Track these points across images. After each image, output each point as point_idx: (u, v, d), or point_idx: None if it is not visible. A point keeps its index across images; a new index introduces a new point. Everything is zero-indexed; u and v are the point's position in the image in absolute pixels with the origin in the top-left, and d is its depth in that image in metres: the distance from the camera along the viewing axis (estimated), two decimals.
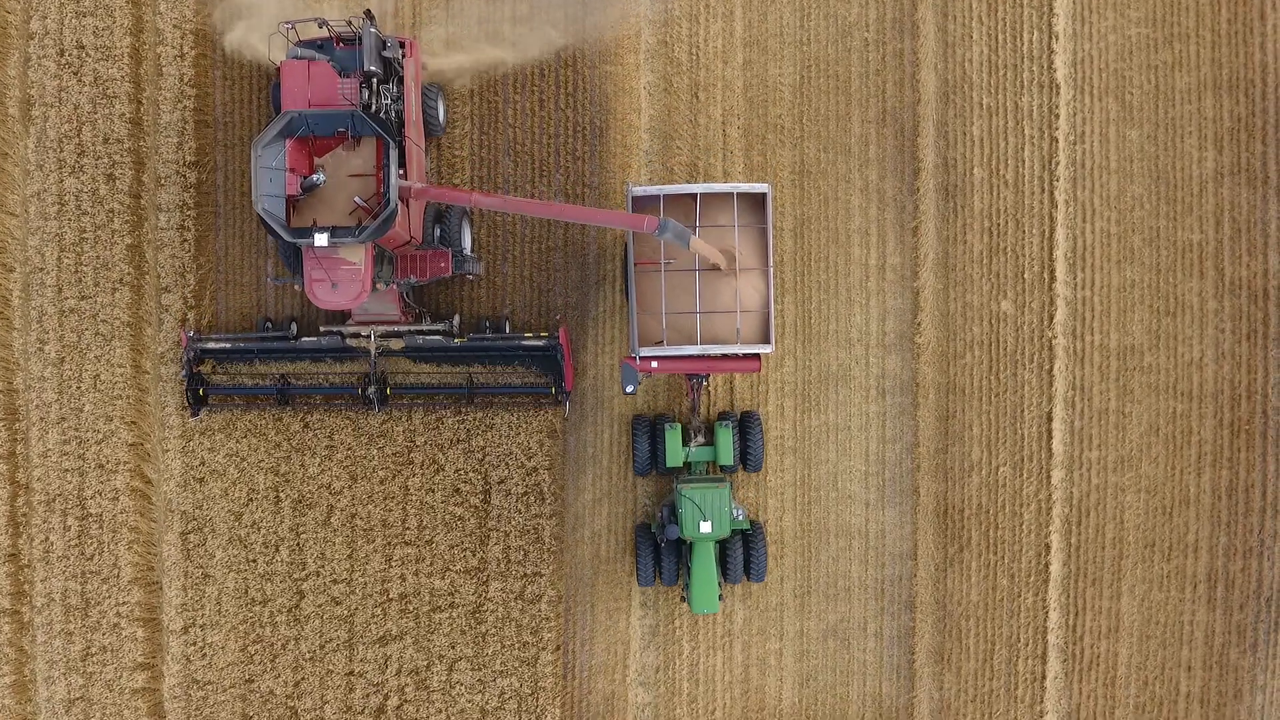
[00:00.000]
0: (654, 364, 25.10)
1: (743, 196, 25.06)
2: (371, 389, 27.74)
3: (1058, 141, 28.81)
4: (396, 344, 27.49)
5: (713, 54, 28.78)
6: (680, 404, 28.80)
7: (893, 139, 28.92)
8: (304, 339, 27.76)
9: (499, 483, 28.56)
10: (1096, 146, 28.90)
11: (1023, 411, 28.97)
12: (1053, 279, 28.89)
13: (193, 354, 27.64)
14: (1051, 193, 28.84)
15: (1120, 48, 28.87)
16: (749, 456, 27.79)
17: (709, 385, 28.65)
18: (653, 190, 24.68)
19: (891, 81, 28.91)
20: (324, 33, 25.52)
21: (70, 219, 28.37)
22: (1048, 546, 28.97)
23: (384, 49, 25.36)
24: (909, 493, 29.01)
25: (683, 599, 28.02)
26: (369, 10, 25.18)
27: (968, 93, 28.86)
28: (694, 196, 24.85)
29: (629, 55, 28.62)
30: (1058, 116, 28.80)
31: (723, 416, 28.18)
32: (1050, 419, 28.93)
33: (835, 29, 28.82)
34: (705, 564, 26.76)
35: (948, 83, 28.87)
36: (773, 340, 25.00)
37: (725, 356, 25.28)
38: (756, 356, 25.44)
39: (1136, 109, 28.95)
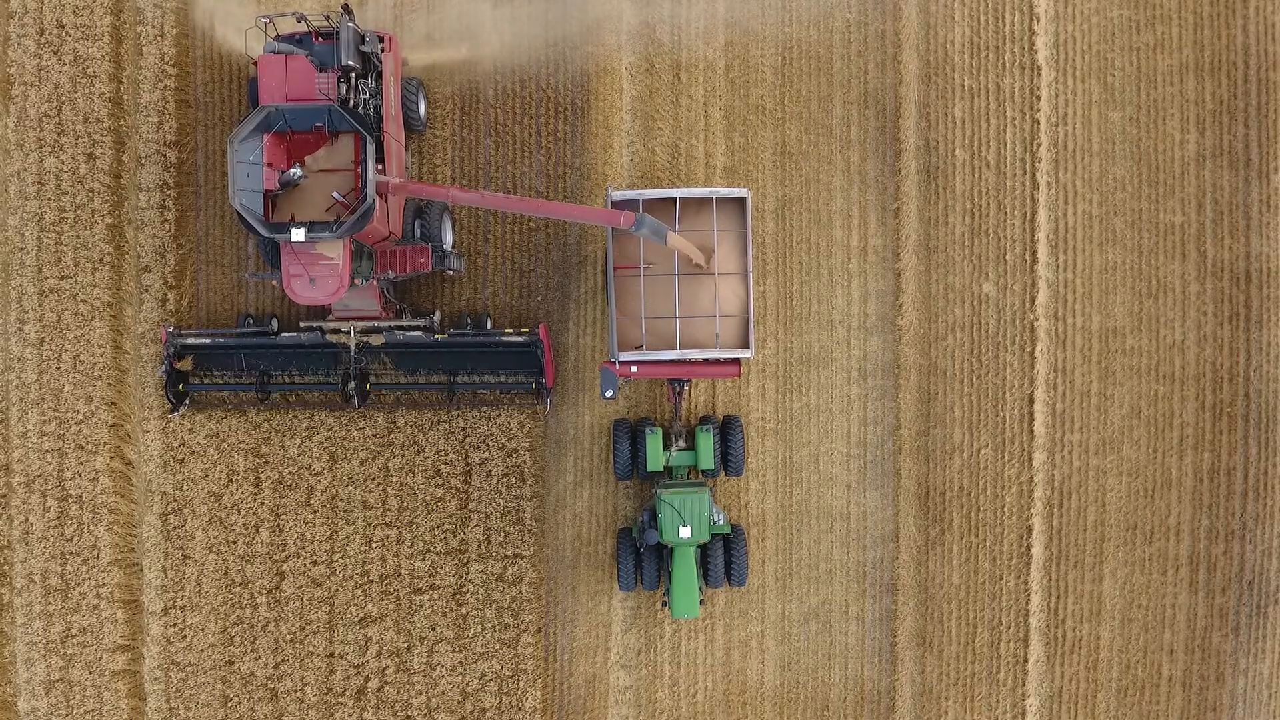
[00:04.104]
0: (633, 369, 25.05)
1: (722, 200, 25.07)
2: (352, 385, 27.66)
3: (1039, 123, 28.79)
4: (376, 339, 27.39)
5: (694, 34, 28.74)
6: (662, 408, 28.74)
7: (874, 120, 28.90)
8: (284, 334, 27.64)
9: (480, 464, 28.51)
10: (1078, 128, 28.88)
11: (1004, 394, 28.94)
12: (1034, 261, 28.87)
13: (172, 349, 27.54)
14: (1033, 174, 28.83)
15: (1102, 29, 28.85)
16: (730, 461, 27.71)
17: (690, 389, 28.54)
18: (632, 194, 24.71)
19: (873, 63, 28.88)
20: (302, 27, 25.48)
21: (50, 198, 28.31)
22: (1029, 529, 28.95)
23: (362, 43, 25.36)
24: (890, 475, 28.98)
25: (664, 603, 27.94)
26: (347, 4, 25.15)
27: (949, 74, 28.84)
28: (674, 201, 24.88)
29: (610, 35, 28.57)
30: (1039, 98, 28.78)
31: (704, 420, 28.09)
32: (1032, 401, 28.91)
33: (817, 9, 28.78)
34: (685, 569, 26.65)
35: (929, 64, 28.85)
36: (752, 345, 25.03)
37: (705, 361, 25.27)
38: (736, 361, 25.43)
39: (1118, 91, 28.93)
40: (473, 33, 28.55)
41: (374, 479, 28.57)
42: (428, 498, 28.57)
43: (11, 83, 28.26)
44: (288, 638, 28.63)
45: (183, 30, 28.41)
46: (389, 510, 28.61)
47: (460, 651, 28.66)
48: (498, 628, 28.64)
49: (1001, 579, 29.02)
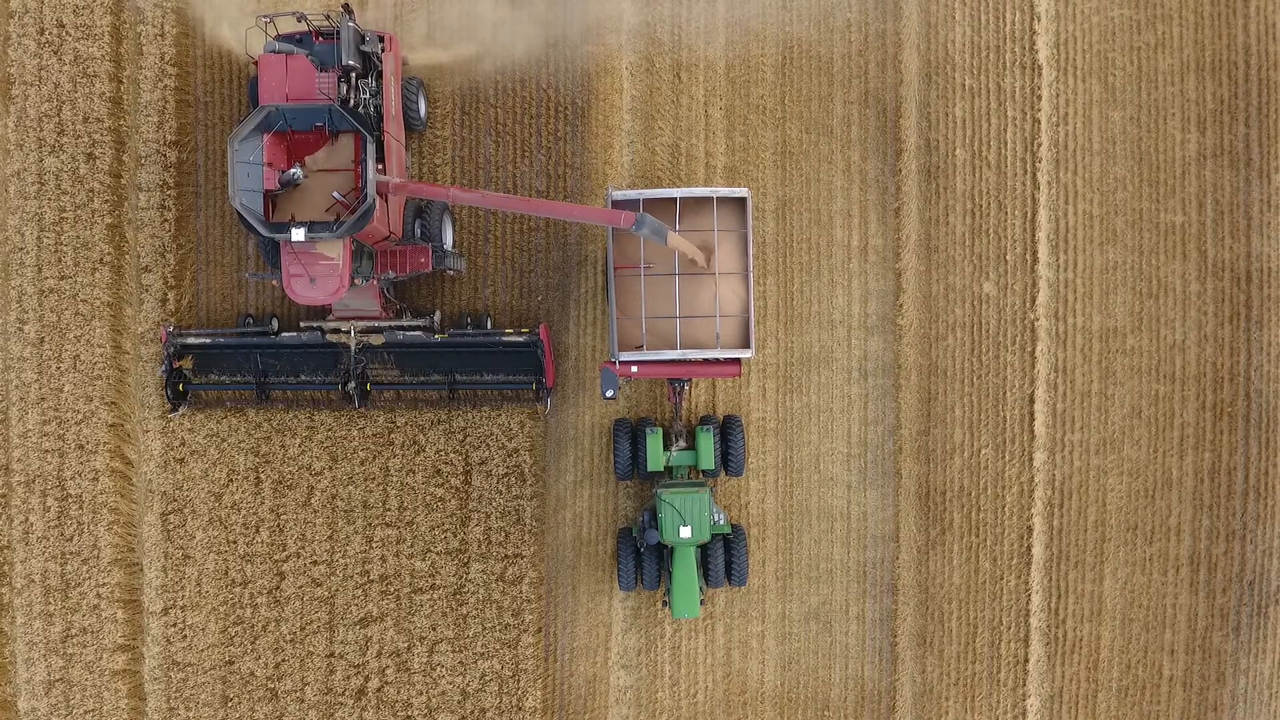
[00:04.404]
0: (633, 369, 25.04)
1: (723, 200, 25.06)
2: (352, 385, 27.64)
3: (1040, 123, 28.78)
4: (377, 339, 27.38)
5: (695, 33, 28.72)
6: (662, 408, 28.71)
7: (875, 120, 28.88)
8: (284, 334, 27.62)
9: (480, 464, 28.49)
10: (1079, 128, 28.86)
11: (1005, 394, 28.92)
12: (1035, 261, 28.85)
13: (173, 349, 27.51)
14: (1034, 174, 28.81)
15: (1103, 29, 28.84)
16: (730, 461, 27.69)
17: (690, 389, 28.51)
18: (632, 194, 24.72)
19: (874, 62, 28.86)
20: (302, 26, 25.47)
21: (50, 198, 28.29)
22: (1030, 529, 28.93)
23: (362, 43, 25.35)
24: (891, 475, 28.96)
25: (664, 603, 27.92)
26: (347, 4, 25.15)
27: (950, 74, 28.82)
28: (674, 201, 24.87)
29: (611, 35, 28.55)
30: (1040, 98, 28.77)
31: (704, 420, 28.08)
32: (1032, 401, 28.89)
33: (817, 9, 28.76)
34: (686, 569, 26.62)
35: (930, 64, 28.83)
36: (753, 345, 25.03)
37: (705, 361, 25.26)
38: (736, 361, 25.42)
39: (1119, 90, 28.91)
40: (473, 32, 28.52)
41: (374, 479, 28.56)
42: (428, 497, 28.55)
43: (12, 82, 28.25)
44: (288, 638, 28.61)
45: (183, 30, 28.40)
46: (389, 510, 28.59)
47: (460, 651, 28.65)
48: (498, 628, 28.63)
49: (1002, 579, 29.00)
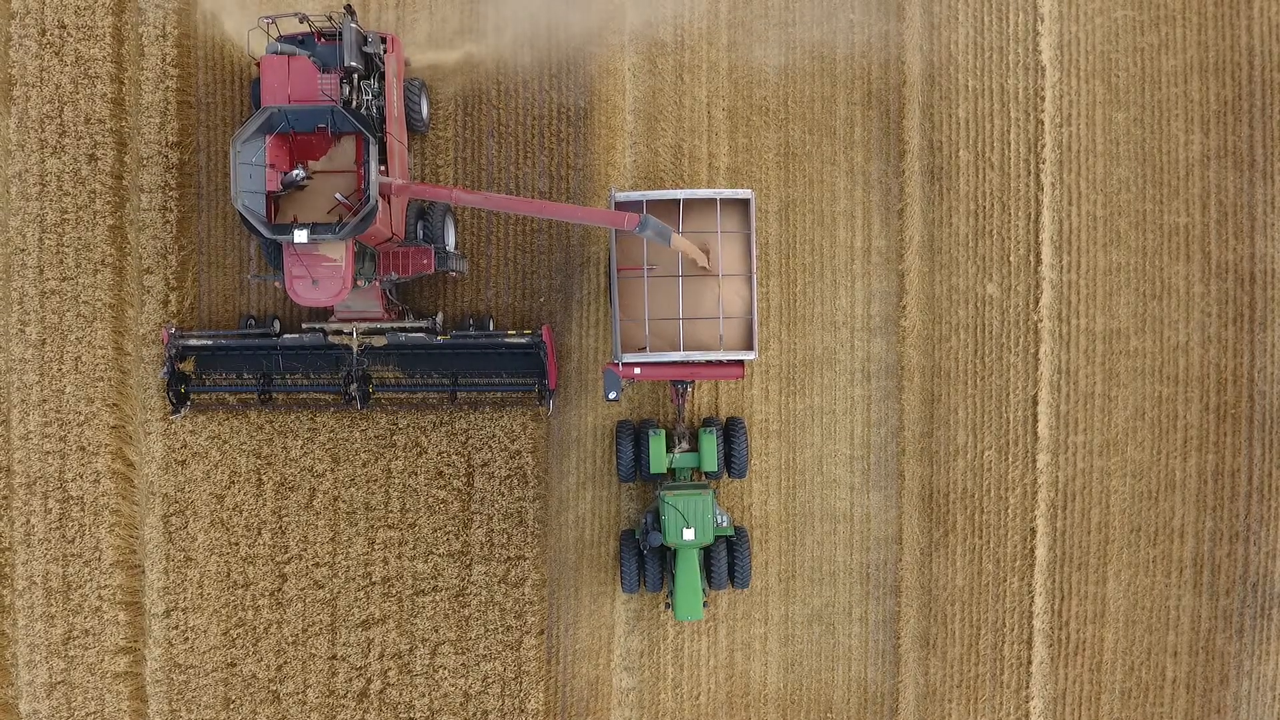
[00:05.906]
0: (636, 370, 24.98)
1: (726, 201, 25.02)
2: (354, 386, 27.61)
3: (1044, 124, 28.75)
4: (379, 341, 27.35)
5: (697, 35, 28.68)
6: (665, 409, 28.66)
7: (878, 121, 28.84)
8: (286, 336, 27.58)
9: (482, 465, 28.45)
10: (1083, 129, 28.83)
11: (1008, 395, 28.88)
12: (1038, 262, 28.82)
13: (174, 351, 27.48)
14: (1037, 175, 28.78)
15: (1107, 30, 28.81)
16: (733, 462, 27.65)
17: (694, 390, 28.47)
18: (635, 196, 24.67)
19: (877, 63, 28.82)
20: (304, 28, 25.44)
21: (52, 200, 28.24)
22: (1033, 531, 28.89)
23: (365, 44, 25.32)
24: (894, 477, 28.92)
25: (667, 606, 27.88)
26: (349, 5, 25.12)
27: (953, 75, 28.79)
28: (677, 202, 24.81)
29: (613, 36, 28.51)
30: (1043, 99, 28.74)
31: (707, 422, 28.04)
32: (1036, 403, 28.85)
33: (820, 10, 28.73)
34: (689, 571, 26.56)
35: (933, 65, 28.79)
36: (756, 347, 24.96)
37: (708, 363, 25.20)
38: (740, 363, 25.38)
39: (1123, 91, 28.89)
40: (475, 33, 28.49)
41: (376, 480, 28.51)
42: (430, 499, 28.51)
43: (13, 84, 28.20)
44: (290, 640, 28.57)
45: (185, 31, 28.36)
46: (391, 512, 28.54)
47: (463, 654, 28.60)
48: (500, 630, 28.58)
49: (1005, 581, 28.96)
